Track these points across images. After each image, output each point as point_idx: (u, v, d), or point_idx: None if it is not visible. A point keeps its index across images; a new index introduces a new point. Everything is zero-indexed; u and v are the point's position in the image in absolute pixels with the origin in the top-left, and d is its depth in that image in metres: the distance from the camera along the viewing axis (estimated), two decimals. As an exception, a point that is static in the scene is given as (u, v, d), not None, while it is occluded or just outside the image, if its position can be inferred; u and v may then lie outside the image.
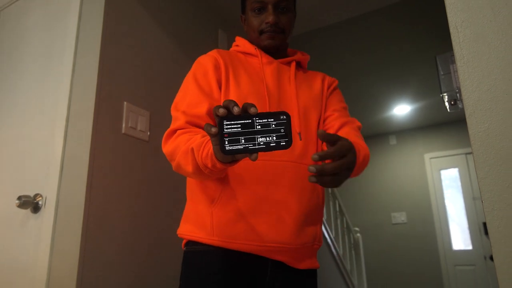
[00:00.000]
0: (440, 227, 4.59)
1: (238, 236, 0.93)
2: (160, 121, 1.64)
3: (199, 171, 0.84)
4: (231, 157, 0.74)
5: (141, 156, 1.51)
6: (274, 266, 0.97)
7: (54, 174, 1.35)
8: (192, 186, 1.02)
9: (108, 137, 1.38)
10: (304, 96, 1.08)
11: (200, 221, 0.97)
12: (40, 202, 1.37)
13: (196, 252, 0.98)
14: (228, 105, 0.67)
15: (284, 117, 0.69)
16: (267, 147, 0.68)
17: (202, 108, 0.95)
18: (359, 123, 1.12)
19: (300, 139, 1.02)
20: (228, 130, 0.68)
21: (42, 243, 1.30)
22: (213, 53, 1.08)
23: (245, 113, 0.68)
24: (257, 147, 0.68)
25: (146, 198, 1.50)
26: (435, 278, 4.47)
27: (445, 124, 4.81)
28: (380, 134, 5.19)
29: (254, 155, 0.68)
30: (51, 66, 1.53)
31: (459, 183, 4.63)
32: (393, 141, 5.13)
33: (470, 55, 0.72)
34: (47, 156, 1.40)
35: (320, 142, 1.07)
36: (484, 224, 4.40)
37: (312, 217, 1.01)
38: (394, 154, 5.08)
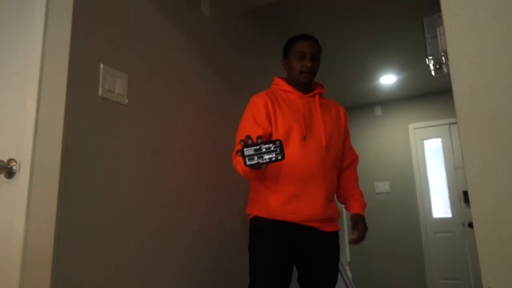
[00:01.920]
0: (422, 196, 4.68)
1: (288, 212, 1.55)
2: (140, 85, 1.58)
3: (244, 175, 1.48)
4: (254, 166, 1.26)
5: (120, 120, 1.46)
6: (310, 231, 1.58)
7: (28, 138, 1.29)
8: (254, 182, 1.65)
9: (84, 99, 1.33)
10: (328, 121, 1.69)
11: (262, 204, 1.59)
12: (14, 167, 1.32)
13: (258, 224, 1.59)
14: (246, 139, 1.25)
15: (278, 142, 1.23)
16: (270, 161, 1.22)
17: (256, 135, 1.52)
18: (357, 159, 1.84)
19: (326, 151, 1.62)
20: (247, 153, 1.22)
21: (18, 209, 1.26)
22: (263, 95, 1.66)
23: (255, 142, 1.23)
24: (264, 161, 1.23)
25: (125, 161, 1.46)
26: (416, 244, 4.60)
27: (430, 95, 4.82)
28: (366, 104, 5.19)
29: (264, 166, 1.25)
30: (22, 24, 1.45)
31: (441, 154, 4.69)
32: (378, 111, 5.13)
33: (457, 7, 0.69)
34: (20, 120, 1.34)
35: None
36: (464, 192, 4.50)
37: (331, 197, 1.65)
38: (379, 124, 5.10)
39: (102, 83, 1.39)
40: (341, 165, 1.80)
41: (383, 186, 4.92)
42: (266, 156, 1.22)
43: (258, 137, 1.24)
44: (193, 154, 1.87)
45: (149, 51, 1.67)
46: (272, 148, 1.22)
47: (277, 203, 1.57)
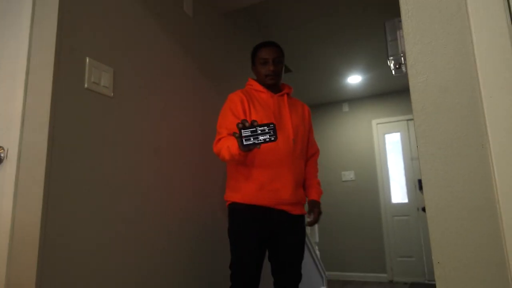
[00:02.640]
0: (383, 184, 4.77)
1: (261, 197, 1.61)
2: (125, 79, 1.53)
3: (232, 157, 1.49)
4: (247, 148, 1.32)
5: (106, 112, 1.41)
6: (280, 213, 1.65)
7: (16, 126, 1.23)
8: (231, 169, 1.69)
9: (70, 91, 1.27)
10: (294, 117, 1.76)
11: (239, 190, 1.64)
12: (2, 154, 1.25)
13: (236, 209, 1.64)
14: (243, 122, 1.30)
15: (272, 125, 1.26)
16: (265, 141, 1.26)
17: (235, 125, 1.55)
18: (318, 152, 1.91)
19: (293, 143, 1.69)
20: (244, 134, 1.27)
21: (5, 196, 1.21)
22: (239, 93, 1.72)
23: (251, 125, 1.27)
24: (259, 141, 1.26)
25: (109, 150, 1.42)
26: (377, 226, 4.70)
27: (391, 93, 4.90)
28: (335, 102, 5.23)
29: (258, 146, 1.29)
30: (9, 18, 1.37)
31: (400, 147, 4.78)
32: (345, 108, 5.18)
33: (414, 9, 0.69)
34: (8, 109, 1.28)
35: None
36: (419, 180, 4.61)
37: (299, 184, 1.72)
38: (347, 120, 5.16)
39: (88, 75, 1.34)
40: (306, 156, 1.85)
41: (349, 175, 4.99)
42: (261, 137, 1.25)
43: (253, 121, 1.27)
44: (177, 145, 1.83)
45: (135, 47, 1.61)
46: (266, 130, 1.25)
47: (252, 189, 1.62)
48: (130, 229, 1.47)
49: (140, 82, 1.63)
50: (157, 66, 1.76)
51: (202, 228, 1.97)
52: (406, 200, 4.65)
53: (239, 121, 1.50)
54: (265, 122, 1.60)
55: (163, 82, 1.79)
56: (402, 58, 1.55)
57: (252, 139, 1.26)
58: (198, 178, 1.98)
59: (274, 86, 1.78)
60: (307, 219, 1.75)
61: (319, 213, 1.76)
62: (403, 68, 1.59)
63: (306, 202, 1.81)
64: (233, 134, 1.33)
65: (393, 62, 1.57)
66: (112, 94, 1.45)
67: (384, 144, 4.90)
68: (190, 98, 2.01)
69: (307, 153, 1.88)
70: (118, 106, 1.48)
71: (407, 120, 4.77)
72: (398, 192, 4.75)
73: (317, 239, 3.72)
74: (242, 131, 1.27)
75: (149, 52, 1.72)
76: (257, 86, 1.78)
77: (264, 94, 1.76)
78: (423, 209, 4.06)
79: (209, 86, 2.22)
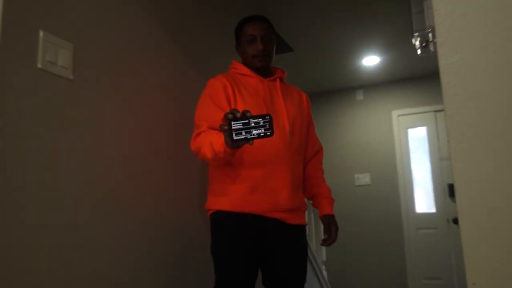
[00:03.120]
0: (404, 190, 4.81)
1: (253, 202, 1.60)
2: (88, 57, 1.53)
3: (216, 156, 1.46)
4: (236, 144, 1.32)
5: (65, 97, 1.41)
6: (274, 223, 1.63)
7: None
8: (214, 170, 1.69)
9: (19, 72, 1.27)
10: (290, 105, 1.76)
11: (223, 196, 1.63)
12: None
13: (220, 219, 1.63)
14: (233, 112, 1.28)
15: (268, 117, 1.25)
16: (259, 136, 1.25)
17: (217, 117, 1.54)
18: (321, 150, 1.94)
19: (290, 136, 1.68)
20: (234, 127, 1.25)
21: None
22: (221, 77, 1.72)
23: (243, 116, 1.26)
24: (252, 136, 1.25)
25: (69, 143, 1.41)
26: (397, 241, 4.74)
27: (416, 79, 4.93)
28: (347, 88, 5.25)
29: (251, 141, 1.27)
30: None
31: (426, 144, 4.82)
32: (359, 96, 5.21)
33: (446, -27, 0.69)
34: None
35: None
36: (450, 185, 4.66)
37: (298, 186, 1.72)
38: (361, 110, 5.18)
39: (42, 53, 1.33)
40: (305, 155, 1.86)
41: (363, 179, 5.02)
42: (255, 131, 1.25)
43: (246, 111, 1.27)
44: (151, 138, 1.83)
45: (101, 18, 1.61)
46: (261, 123, 1.24)
47: (240, 193, 1.61)
48: (91, 239, 1.47)
49: (107, 61, 1.63)
50: (128, 40, 1.75)
51: (181, 246, 1.97)
52: (433, 210, 4.70)
53: (223, 112, 1.51)
54: (255, 112, 1.59)
55: (135, 60, 1.79)
56: (430, 35, 1.57)
57: (244, 133, 1.25)
58: (174, 181, 1.98)
59: (264, 69, 1.78)
60: (324, 238, 1.74)
61: (337, 229, 1.75)
62: (431, 47, 1.61)
63: (320, 217, 1.81)
64: (221, 126, 1.31)
65: (418, 39, 1.59)
66: (72, 76, 1.44)
67: (407, 140, 4.93)
68: (166, 81, 2.01)
69: (308, 151, 1.87)
70: (80, 90, 1.48)
71: (435, 111, 4.81)
72: (424, 200, 4.80)
73: (324, 257, 3.74)
74: (232, 123, 1.26)
75: (118, 22, 1.71)
76: (243, 69, 1.77)
77: (252, 79, 1.75)
78: (455, 221, 4.09)
79: (191, 66, 2.21)
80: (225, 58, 2.44)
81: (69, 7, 1.47)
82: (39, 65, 1.32)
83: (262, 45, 1.73)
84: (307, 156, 1.87)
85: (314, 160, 1.90)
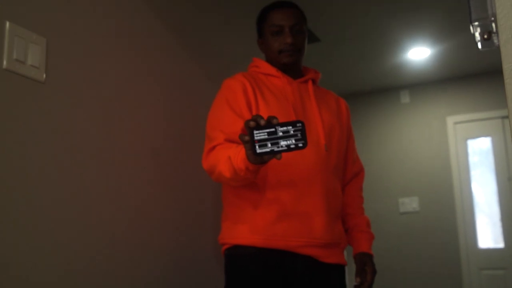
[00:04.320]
0: (463, 218, 4.75)
1: (280, 233, 1.58)
2: (64, 54, 1.56)
3: (236, 175, 1.45)
4: (260, 159, 1.31)
5: (35, 103, 1.44)
6: (305, 261, 1.62)
7: None
8: (230, 193, 1.69)
9: (-19, 73, 1.30)
10: (326, 113, 1.77)
11: (243, 226, 1.62)
12: None
13: (239, 258, 1.64)
14: (256, 119, 1.26)
15: (300, 124, 1.25)
16: (288, 149, 1.24)
17: (236, 127, 1.55)
18: (362, 172, 1.97)
19: (326, 150, 1.68)
20: (258, 137, 1.25)
21: None
22: (240, 77, 1.72)
23: (269, 123, 1.26)
24: (280, 149, 1.24)
25: (41, 161, 1.44)
26: (454, 285, 4.68)
27: (477, 76, 4.90)
28: (388, 88, 5.24)
29: (279, 155, 1.26)
30: None
31: (491, 159, 4.77)
32: (405, 98, 5.19)
33: (511, -47, 0.70)
34: None
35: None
36: (522, 213, 4.59)
37: (337, 215, 1.72)
38: (406, 116, 5.16)
39: (8, 49, 1.36)
40: (343, 177, 1.87)
41: (410, 204, 4.98)
42: (283, 143, 1.25)
43: (272, 117, 1.27)
44: (147, 153, 1.85)
45: (81, 6, 1.64)
46: (291, 132, 1.25)
47: (264, 221, 1.60)
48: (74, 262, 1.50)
49: (88, 59, 1.66)
50: (115, 35, 1.79)
51: (186, 278, 1.98)
52: (501, 245, 4.63)
53: (242, 121, 1.51)
54: (282, 119, 1.58)
55: (125, 58, 1.82)
56: (493, 24, 1.58)
57: (269, 145, 1.26)
58: (181, 210, 2.00)
59: (292, 67, 1.80)
60: (356, 283, 1.73)
61: (374, 272, 1.74)
62: (495, 39, 1.62)
63: (353, 256, 1.80)
64: (240, 137, 1.31)
65: (478, 29, 1.60)
66: (44, 77, 1.47)
67: (466, 154, 4.89)
68: (165, 85, 2.03)
69: (346, 171, 1.88)
70: (54, 95, 1.51)
71: (503, 117, 4.77)
72: (489, 232, 4.74)
73: (360, 305, 3.71)
74: (255, 132, 1.26)
75: (104, 14, 1.74)
76: (267, 67, 1.79)
77: (278, 80, 1.77)
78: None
79: (195, 68, 2.24)
80: (241, 53, 2.46)
81: (41, -7, 1.51)
82: (4, 65, 1.35)
83: (291, 38, 1.73)
84: (344, 179, 1.88)
85: (353, 185, 1.91)
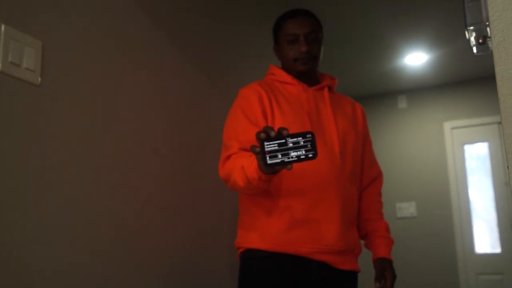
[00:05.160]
0: (460, 223, 4.76)
1: (293, 240, 1.61)
2: (60, 57, 1.56)
3: (249, 184, 1.49)
4: (272, 169, 1.35)
5: (30, 107, 1.44)
6: (319, 268, 1.64)
7: None
8: (245, 200, 1.73)
9: (-24, 76, 1.30)
10: (341, 120, 1.79)
11: (258, 232, 1.65)
12: None
13: (252, 260, 1.67)
14: (266, 130, 1.30)
15: (310, 135, 1.29)
16: (299, 159, 1.28)
17: (251, 136, 1.49)
18: (381, 176, 1.97)
19: (340, 158, 1.70)
20: (268, 148, 1.28)
21: None
22: (255, 86, 1.76)
23: (279, 135, 1.29)
24: (291, 159, 1.28)
25: (33, 162, 1.44)
26: (451, 291, 4.67)
27: (474, 81, 4.91)
28: (385, 93, 5.26)
29: (289, 166, 1.29)
30: None
31: (488, 164, 4.77)
32: (402, 103, 5.20)
33: (504, -44, 0.70)
34: None
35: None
36: (518, 218, 4.59)
37: (351, 222, 1.74)
38: (403, 121, 5.17)
39: (4, 52, 1.36)
40: (360, 182, 1.87)
41: (407, 209, 4.98)
42: (293, 153, 1.29)
43: (282, 128, 1.30)
44: (147, 155, 1.85)
45: (77, 9, 1.64)
46: (302, 143, 1.29)
47: (279, 229, 1.63)
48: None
49: (85, 63, 1.66)
50: (113, 39, 1.79)
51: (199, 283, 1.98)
52: (498, 250, 4.63)
53: (259, 129, 1.53)
54: (297, 128, 1.62)
55: (122, 63, 1.82)
56: (488, 29, 1.58)
57: (280, 156, 1.29)
58: (192, 214, 2.00)
59: (308, 75, 1.82)
60: None
61: (394, 277, 1.76)
62: (490, 44, 1.61)
63: (373, 261, 1.80)
64: (252, 148, 1.35)
65: (473, 34, 1.60)
66: (39, 80, 1.47)
67: (464, 160, 4.90)
68: (163, 88, 2.03)
69: (363, 176, 1.89)
70: (48, 99, 1.50)
71: (499, 123, 4.77)
72: (486, 237, 4.74)
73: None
74: (265, 143, 1.30)
75: (101, 17, 1.74)
76: (283, 75, 1.82)
77: (293, 88, 1.79)
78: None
79: (201, 79, 2.24)
80: (252, 72, 2.47)
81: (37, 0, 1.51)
82: (-1, 68, 1.36)
83: (307, 46, 1.77)
84: (362, 183, 1.88)
85: (371, 190, 1.91)
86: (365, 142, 1.92)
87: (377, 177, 1.95)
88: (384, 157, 5.13)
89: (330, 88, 1.87)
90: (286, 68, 1.85)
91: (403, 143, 5.13)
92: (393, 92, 5.23)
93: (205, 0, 2.45)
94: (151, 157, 1.93)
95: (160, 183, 1.97)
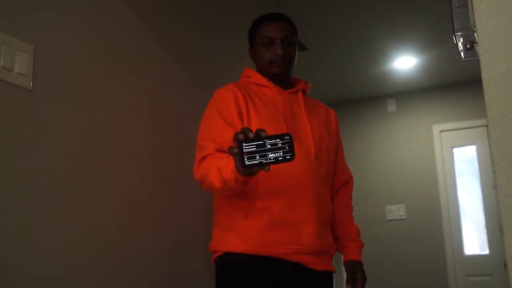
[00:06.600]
0: (449, 225, 4.77)
1: (271, 241, 1.60)
2: (52, 61, 1.56)
3: (225, 185, 1.48)
4: (249, 171, 1.35)
5: (22, 112, 1.44)
6: (295, 269, 1.64)
7: None
8: (221, 202, 1.72)
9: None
10: (315, 123, 1.81)
11: (233, 230, 1.65)
12: None
13: (230, 265, 1.66)
14: (245, 132, 1.30)
15: (288, 137, 1.29)
16: (276, 161, 1.28)
17: (228, 136, 1.50)
18: (351, 180, 1.99)
19: (316, 159, 1.72)
20: (246, 149, 1.28)
21: None
22: (231, 87, 1.76)
23: (257, 136, 1.29)
24: (269, 161, 1.28)
25: (29, 172, 1.44)
26: (440, 292, 4.69)
27: (462, 85, 4.93)
28: (375, 96, 5.27)
29: (267, 167, 1.29)
30: None
31: (476, 166, 4.80)
32: (391, 107, 5.22)
33: (490, -34, 0.72)
34: None
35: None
36: (506, 220, 4.62)
37: (326, 223, 1.75)
38: (393, 125, 5.19)
39: (-5, 57, 1.36)
40: (332, 185, 1.88)
41: (397, 211, 4.99)
42: (271, 155, 1.28)
43: (260, 130, 1.30)
44: (138, 163, 1.85)
45: (69, 14, 1.64)
46: (279, 145, 1.29)
47: (257, 230, 1.62)
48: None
49: (77, 68, 1.66)
50: (105, 43, 1.79)
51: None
52: (486, 251, 4.66)
53: (234, 130, 1.52)
54: (273, 130, 1.60)
55: (114, 66, 1.82)
56: (475, 35, 1.59)
57: (258, 157, 1.29)
58: (168, 218, 2.00)
59: (282, 78, 1.83)
60: None
61: (364, 280, 1.76)
62: (477, 49, 1.63)
63: (344, 264, 1.82)
64: (230, 149, 1.34)
65: (461, 39, 1.61)
66: (31, 85, 1.47)
67: (452, 162, 4.92)
68: (153, 96, 2.03)
69: (335, 180, 1.90)
70: (40, 104, 1.50)
71: (487, 126, 4.80)
72: (475, 239, 4.76)
73: (347, 312, 3.71)
74: (244, 145, 1.30)
75: (93, 22, 1.75)
76: (258, 78, 1.82)
77: (268, 90, 1.80)
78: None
79: (186, 78, 2.24)
80: (231, 72, 2.47)
81: (30, 1, 1.51)
82: (-9, 73, 1.35)
83: (282, 49, 1.77)
84: (333, 187, 1.89)
85: (342, 193, 1.93)
86: (338, 147, 1.93)
87: (348, 180, 1.97)
88: (374, 160, 5.16)
89: (304, 92, 1.88)
90: (261, 70, 1.85)
91: (392, 146, 5.14)
92: (382, 95, 5.24)
93: (194, 4, 2.45)
94: (135, 161, 1.93)
95: (145, 184, 1.97)
